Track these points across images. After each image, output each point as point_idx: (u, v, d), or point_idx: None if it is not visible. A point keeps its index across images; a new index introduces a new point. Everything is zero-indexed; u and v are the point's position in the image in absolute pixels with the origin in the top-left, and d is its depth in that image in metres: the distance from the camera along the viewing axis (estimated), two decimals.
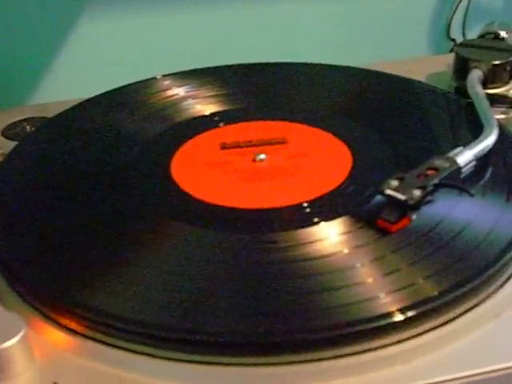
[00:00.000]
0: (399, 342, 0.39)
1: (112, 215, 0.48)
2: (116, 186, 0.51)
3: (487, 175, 0.49)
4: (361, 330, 0.38)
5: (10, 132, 0.62)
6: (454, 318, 0.40)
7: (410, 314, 0.38)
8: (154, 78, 0.64)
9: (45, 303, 0.42)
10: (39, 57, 0.75)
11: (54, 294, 0.41)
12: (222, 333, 0.38)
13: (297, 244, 0.44)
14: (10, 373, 0.38)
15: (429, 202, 0.45)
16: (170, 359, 0.38)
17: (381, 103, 0.60)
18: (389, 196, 0.44)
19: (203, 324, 0.38)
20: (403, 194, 0.44)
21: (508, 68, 0.62)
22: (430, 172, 0.46)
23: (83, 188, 0.51)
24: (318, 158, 0.53)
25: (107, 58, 0.77)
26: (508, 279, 0.43)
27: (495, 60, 0.62)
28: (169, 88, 0.63)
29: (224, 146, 0.54)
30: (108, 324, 0.39)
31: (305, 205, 0.47)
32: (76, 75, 0.76)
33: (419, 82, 0.63)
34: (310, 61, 0.67)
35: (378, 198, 0.45)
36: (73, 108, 0.61)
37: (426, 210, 0.45)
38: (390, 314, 0.38)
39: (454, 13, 0.83)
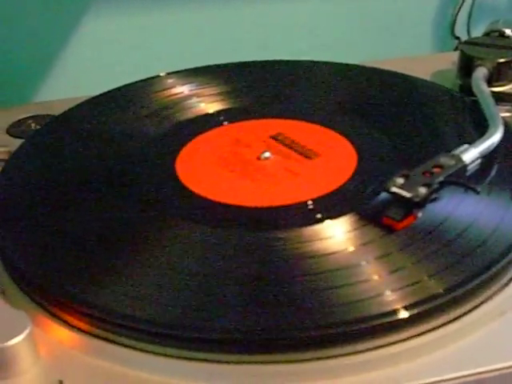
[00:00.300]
0: (404, 340, 0.39)
1: (118, 213, 0.48)
2: (121, 184, 0.51)
3: (492, 173, 0.49)
4: (366, 328, 0.38)
5: (15, 130, 0.62)
6: (459, 316, 0.40)
7: (414, 311, 0.38)
8: (158, 76, 0.64)
9: (50, 301, 0.42)
10: (43, 55, 0.75)
11: (60, 292, 0.41)
12: (227, 330, 0.38)
13: (302, 242, 0.43)
14: (16, 370, 0.38)
15: (434, 199, 0.45)
16: (175, 357, 0.38)
17: (385, 101, 0.60)
18: (394, 193, 0.44)
19: (208, 322, 0.38)
20: (409, 191, 0.44)
21: None
22: (435, 169, 0.46)
23: (89, 186, 0.51)
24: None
25: (111, 56, 0.77)
26: None
27: (500, 58, 0.61)
28: (173, 86, 0.63)
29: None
30: (113, 322, 0.39)
31: (310, 203, 0.47)
32: (80, 73, 0.76)
33: (424, 80, 0.63)
34: (313, 58, 0.67)
35: (384, 195, 0.45)
36: (78, 106, 0.60)
37: (432, 207, 0.45)
38: (395, 312, 0.38)
39: (459, 11, 0.83)
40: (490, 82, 0.61)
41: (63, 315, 0.41)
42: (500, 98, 0.59)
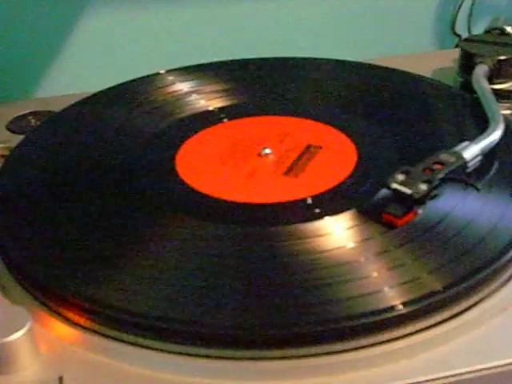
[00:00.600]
0: (404, 336, 0.39)
1: (118, 210, 0.48)
2: (121, 180, 0.51)
3: (493, 170, 0.49)
4: (365, 324, 0.38)
5: (15, 126, 0.62)
6: (459, 313, 0.40)
7: (414, 308, 0.38)
8: (159, 73, 0.64)
9: (50, 297, 0.42)
10: (44, 51, 0.75)
11: (60, 288, 0.41)
12: (228, 326, 0.38)
13: (302, 238, 0.43)
14: (16, 366, 0.38)
15: (434, 196, 0.45)
16: (176, 353, 0.38)
17: (386, 98, 0.60)
18: (394, 190, 0.44)
19: (209, 318, 0.38)
20: (409, 188, 0.44)
21: None
22: (436, 166, 0.46)
23: (89, 182, 0.51)
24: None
25: (111, 52, 0.77)
26: None
27: (501, 55, 0.61)
28: (173, 83, 0.63)
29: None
30: (114, 318, 0.39)
31: (310, 199, 0.47)
32: (81, 70, 0.76)
33: (424, 78, 0.63)
34: (313, 56, 0.67)
35: (384, 191, 0.45)
36: (78, 102, 0.61)
37: (432, 204, 0.45)
38: (394, 308, 0.38)
39: (459, 8, 0.83)
40: (491, 79, 0.61)
41: (63, 311, 0.41)
42: (501, 95, 0.59)
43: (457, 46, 0.78)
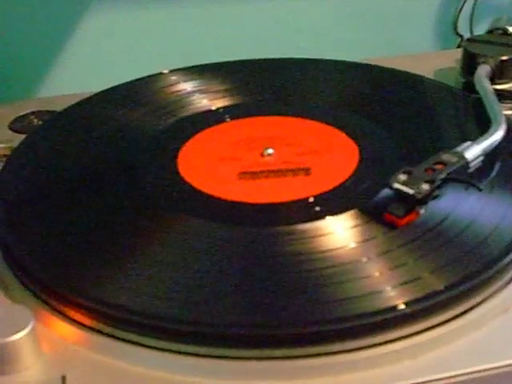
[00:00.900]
0: (406, 336, 0.39)
1: (120, 209, 0.48)
2: (123, 180, 0.51)
3: (495, 170, 0.49)
4: (367, 324, 0.38)
5: (17, 125, 0.62)
6: (461, 313, 0.40)
7: (416, 307, 0.38)
8: (162, 73, 0.64)
9: (53, 296, 0.42)
10: (46, 51, 0.75)
11: (63, 287, 0.41)
12: (229, 325, 0.38)
13: (304, 238, 0.44)
14: (18, 366, 0.38)
15: (436, 196, 0.45)
16: (178, 352, 0.38)
17: (388, 98, 0.60)
18: (397, 190, 0.44)
19: (211, 317, 0.38)
20: (411, 188, 0.44)
21: None
22: (438, 166, 0.46)
23: (91, 181, 0.51)
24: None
25: (114, 52, 0.77)
26: None
27: (503, 55, 0.61)
28: (176, 83, 0.63)
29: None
30: (116, 317, 0.39)
31: (312, 199, 0.47)
32: (83, 69, 0.76)
33: (427, 78, 0.63)
34: (315, 56, 0.67)
35: (386, 191, 0.45)
36: (81, 102, 0.61)
37: (434, 204, 0.45)
38: (396, 308, 0.38)
39: (462, 8, 0.83)
40: (493, 79, 0.61)
41: (66, 311, 0.41)
42: (503, 96, 0.59)
43: (459, 46, 0.78)
